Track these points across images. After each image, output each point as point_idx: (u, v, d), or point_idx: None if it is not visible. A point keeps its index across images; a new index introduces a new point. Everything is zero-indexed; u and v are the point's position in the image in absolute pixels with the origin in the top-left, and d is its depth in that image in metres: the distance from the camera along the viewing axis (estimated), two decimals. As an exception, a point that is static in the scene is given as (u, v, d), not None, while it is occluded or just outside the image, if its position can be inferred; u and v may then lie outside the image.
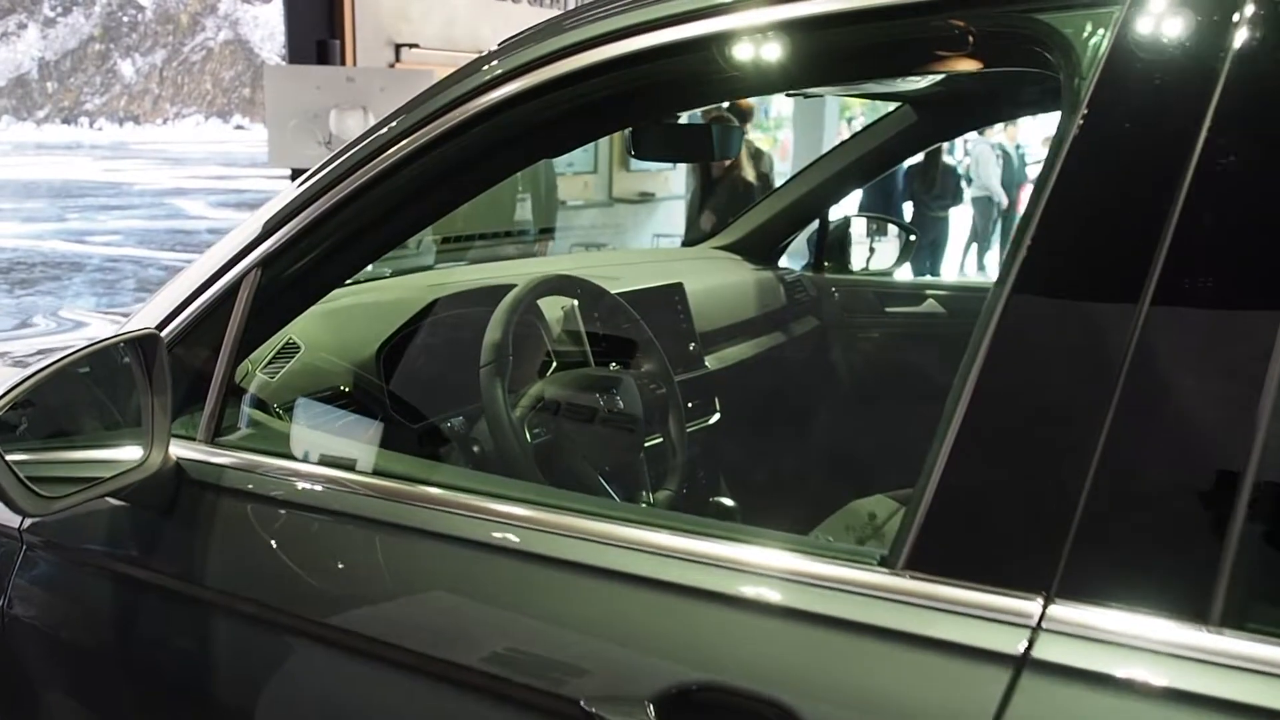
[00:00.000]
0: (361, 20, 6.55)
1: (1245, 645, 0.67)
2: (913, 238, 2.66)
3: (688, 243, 2.78)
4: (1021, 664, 0.72)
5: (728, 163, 5.95)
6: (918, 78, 1.50)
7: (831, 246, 2.53)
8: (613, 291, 1.89)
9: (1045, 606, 0.73)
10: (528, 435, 1.45)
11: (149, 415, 1.16)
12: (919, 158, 7.39)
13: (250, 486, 1.17)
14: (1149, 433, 0.73)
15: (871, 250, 2.60)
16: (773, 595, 0.84)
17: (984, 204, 8.86)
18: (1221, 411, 0.71)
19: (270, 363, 1.46)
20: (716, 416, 2.05)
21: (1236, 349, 0.71)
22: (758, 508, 2.01)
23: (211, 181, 22.89)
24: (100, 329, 1.88)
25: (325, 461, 1.19)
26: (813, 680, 0.80)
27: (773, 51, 0.98)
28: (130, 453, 1.16)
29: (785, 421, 2.25)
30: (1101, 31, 0.79)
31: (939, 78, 1.59)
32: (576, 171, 7.86)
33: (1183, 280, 0.72)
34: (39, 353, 1.68)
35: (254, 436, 1.27)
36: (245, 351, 1.29)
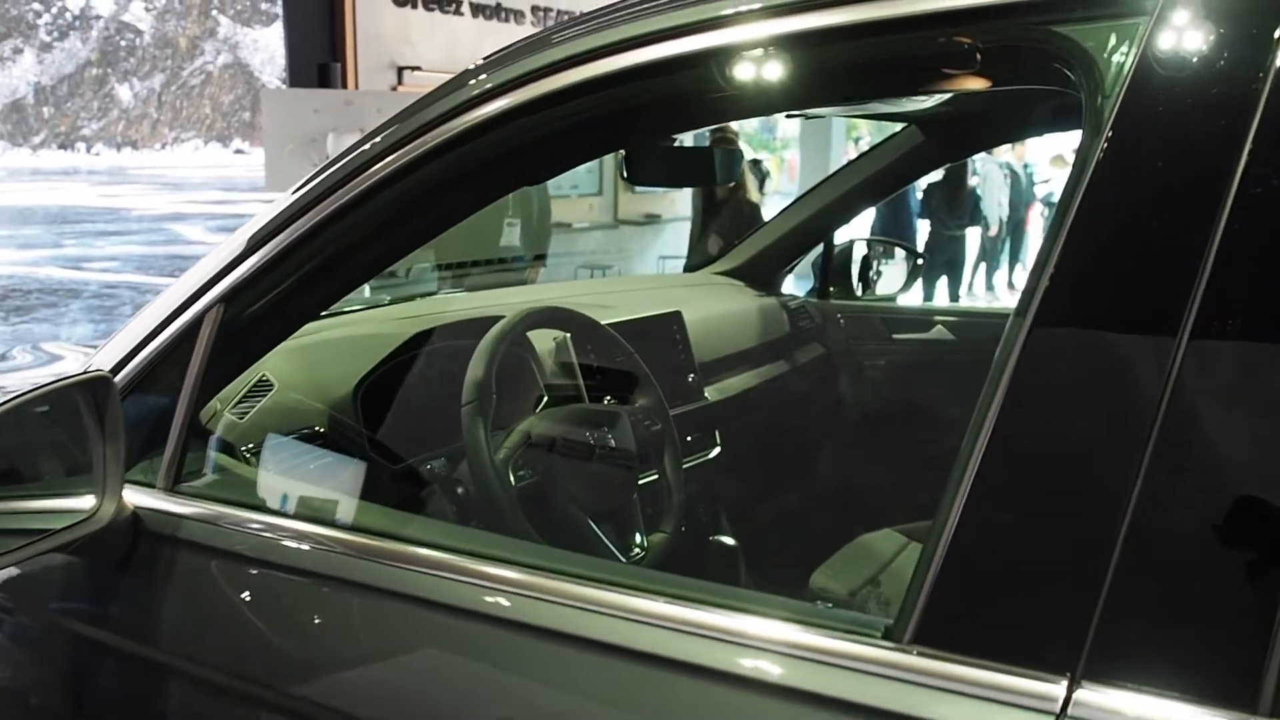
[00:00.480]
0: (363, 43, 6.54)
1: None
2: (920, 261, 2.59)
3: (690, 268, 2.70)
4: (1044, 758, 0.64)
5: (732, 184, 5.91)
6: (924, 97, 1.43)
7: (836, 271, 2.45)
8: (608, 321, 1.81)
9: (1071, 690, 0.65)
10: (512, 478, 1.37)
11: (100, 463, 1.09)
12: (936, 176, 7.34)
13: (211, 539, 1.09)
14: (1190, 487, 0.64)
15: (878, 274, 2.52)
16: (769, 670, 0.76)
17: (993, 224, 8.80)
18: (1275, 463, 0.63)
19: (240, 402, 1.39)
20: (717, 450, 1.96)
21: None
22: (761, 545, 1.93)
23: (211, 206, 22.83)
24: (76, 365, 1.81)
25: (295, 512, 1.11)
26: (809, 768, 0.72)
27: (774, 69, 0.90)
28: (83, 502, 1.09)
29: (788, 454, 2.17)
30: (1126, 45, 0.71)
31: (946, 97, 1.51)
32: (581, 194, 7.83)
33: (1225, 314, 0.64)
34: None
35: (218, 483, 1.19)
36: (210, 392, 1.22)
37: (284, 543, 1.04)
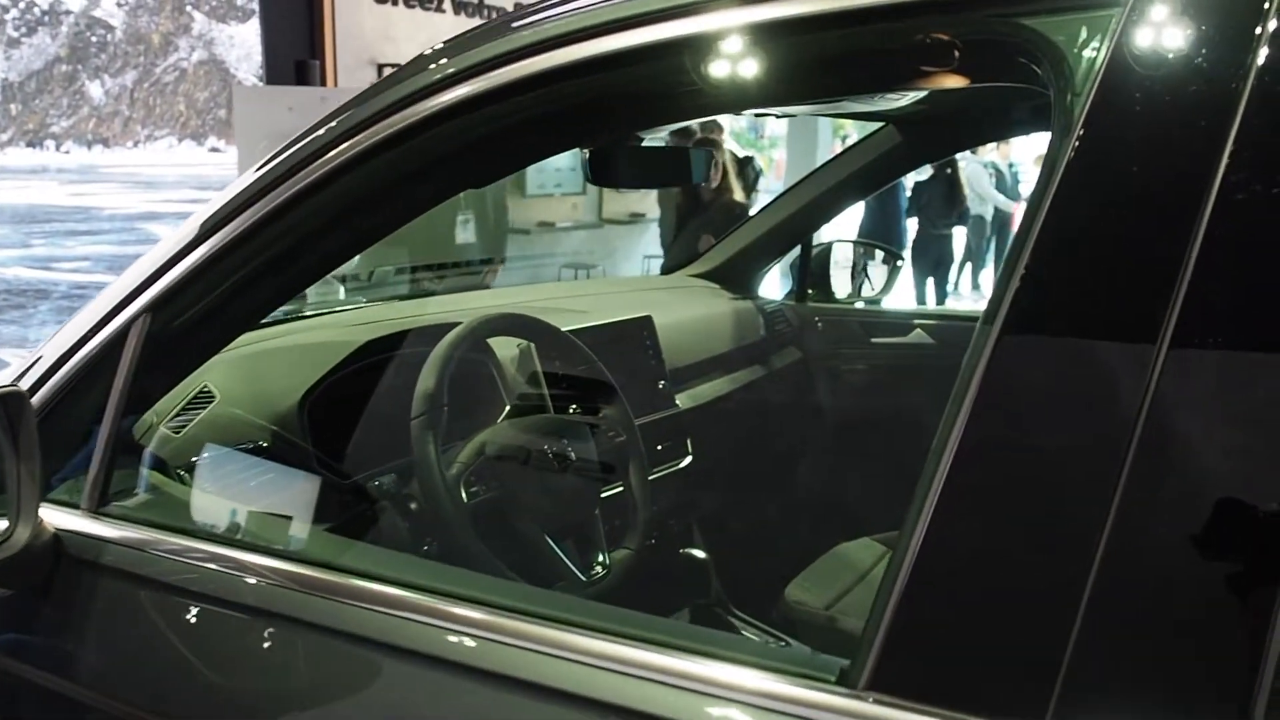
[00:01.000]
0: (343, 40, 6.45)
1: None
2: (899, 263, 2.53)
3: (666, 270, 2.63)
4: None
5: (716, 183, 5.85)
6: (895, 96, 1.37)
7: (815, 273, 2.39)
8: (576, 326, 1.75)
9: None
10: (464, 495, 1.30)
11: (14, 483, 1.02)
12: (925, 175, 7.30)
13: (137, 566, 1.02)
14: (1172, 510, 0.58)
15: (857, 277, 2.46)
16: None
17: (978, 222, 8.77)
18: (1264, 483, 0.57)
19: (178, 415, 1.32)
20: (688, 459, 1.90)
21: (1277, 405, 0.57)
22: (734, 557, 1.87)
23: (185, 205, 22.37)
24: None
25: (230, 538, 1.04)
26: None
27: (735, 61, 0.84)
28: (-1, 525, 1.02)
29: (763, 462, 2.11)
30: (1098, 40, 0.65)
31: (920, 96, 1.45)
32: (565, 192, 7.75)
33: (1208, 320, 0.59)
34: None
35: (148, 504, 1.12)
36: (140, 406, 1.15)
37: (217, 572, 0.97)
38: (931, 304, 7.66)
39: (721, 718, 0.70)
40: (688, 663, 0.73)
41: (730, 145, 6.80)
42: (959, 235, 8.22)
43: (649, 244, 8.39)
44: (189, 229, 1.07)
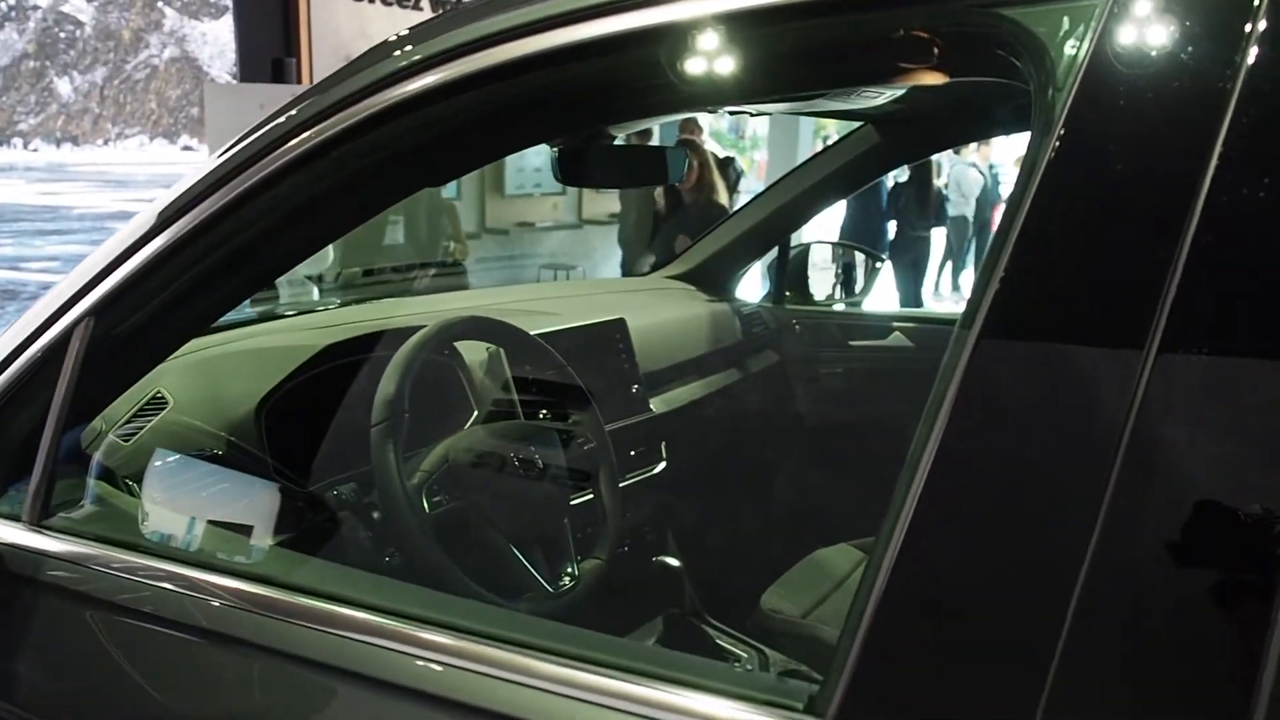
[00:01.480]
0: (319, 38, 6.38)
1: None
2: (879, 264, 2.50)
3: (627, 273, 2.59)
4: None
5: (694, 182, 5.81)
6: (871, 94, 1.33)
7: (792, 275, 2.36)
8: (547, 329, 1.70)
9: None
10: (426, 505, 1.25)
11: (-52, 496, 0.97)
12: (905, 176, 7.29)
13: (79, 583, 0.98)
14: (1161, 521, 0.55)
15: (836, 278, 2.43)
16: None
17: (960, 223, 8.79)
18: (1257, 492, 0.54)
19: (129, 422, 1.27)
20: (662, 465, 1.86)
21: (1273, 412, 0.54)
22: (709, 564, 1.83)
23: (157, 205, 22.34)
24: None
25: (179, 553, 0.99)
26: None
27: (704, 54, 0.80)
28: (-68, 540, 0.97)
29: (739, 467, 2.07)
30: (1081, 32, 0.62)
31: (898, 94, 1.42)
32: (545, 192, 7.71)
33: (1198, 326, 0.55)
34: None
35: (93, 517, 1.07)
36: (84, 413, 1.11)
37: (165, 590, 0.92)
38: (909, 304, 7.67)
39: None
40: (653, 690, 0.69)
41: (710, 146, 6.78)
42: (938, 237, 8.22)
43: (630, 245, 8.37)
44: (131, 231, 1.02)
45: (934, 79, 0.75)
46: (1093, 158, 0.59)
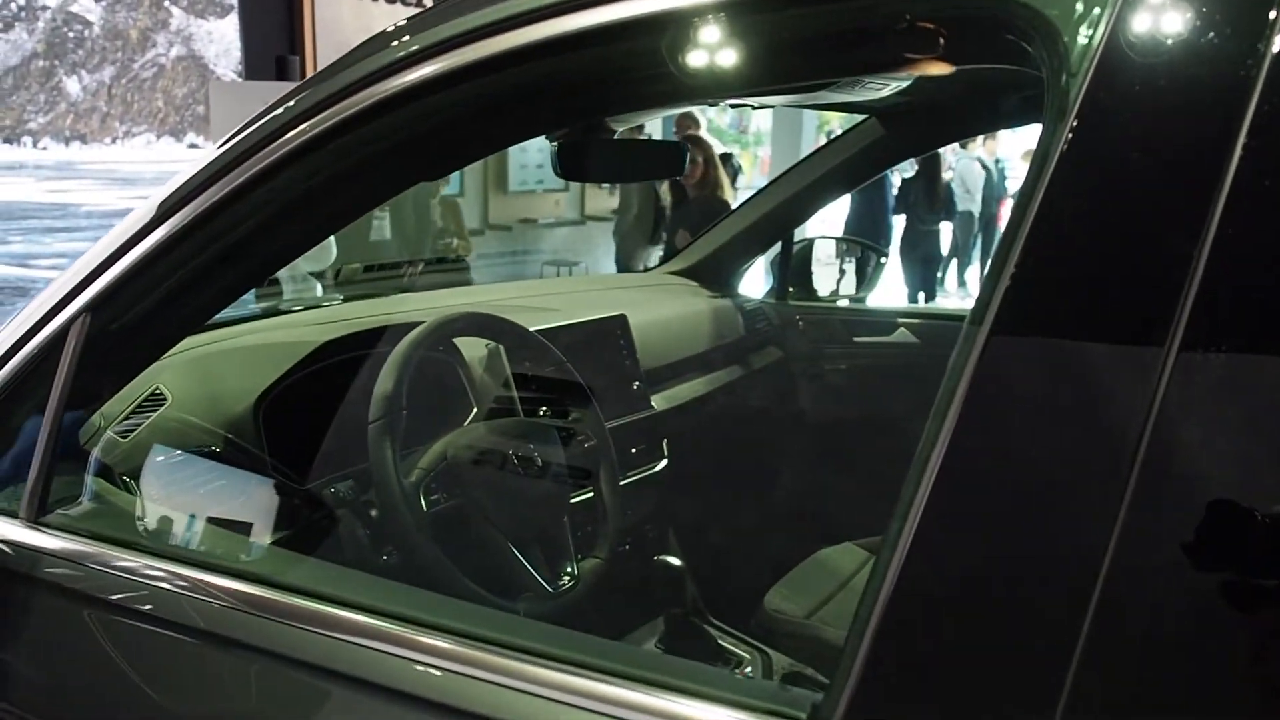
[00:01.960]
0: (323, 36, 6.36)
1: None
2: (883, 259, 2.47)
3: (623, 269, 2.58)
4: None
5: (698, 178, 5.79)
6: (879, 85, 1.31)
7: (796, 271, 2.33)
8: (547, 326, 1.69)
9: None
10: (423, 503, 1.24)
11: (-59, 494, 0.96)
12: (913, 170, 7.26)
13: (76, 581, 0.96)
14: (1182, 525, 0.53)
15: (840, 274, 2.40)
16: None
17: (965, 219, 8.75)
18: None
19: (127, 418, 1.25)
20: (664, 463, 1.84)
21: None
22: (711, 564, 1.82)
23: (163, 202, 22.38)
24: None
25: (175, 552, 0.97)
26: None
27: (710, 42, 0.78)
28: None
29: (742, 464, 2.05)
30: (1097, 14, 0.59)
31: (903, 86, 1.39)
32: (547, 189, 7.70)
33: (1221, 322, 0.53)
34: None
35: (90, 514, 1.06)
36: (82, 409, 1.09)
37: (161, 590, 0.91)
38: (920, 300, 7.64)
39: None
40: (653, 697, 0.68)
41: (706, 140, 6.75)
42: (946, 231, 8.18)
43: (632, 241, 8.35)
44: (127, 226, 1.01)
45: (942, 66, 0.73)
46: (1109, 146, 0.57)
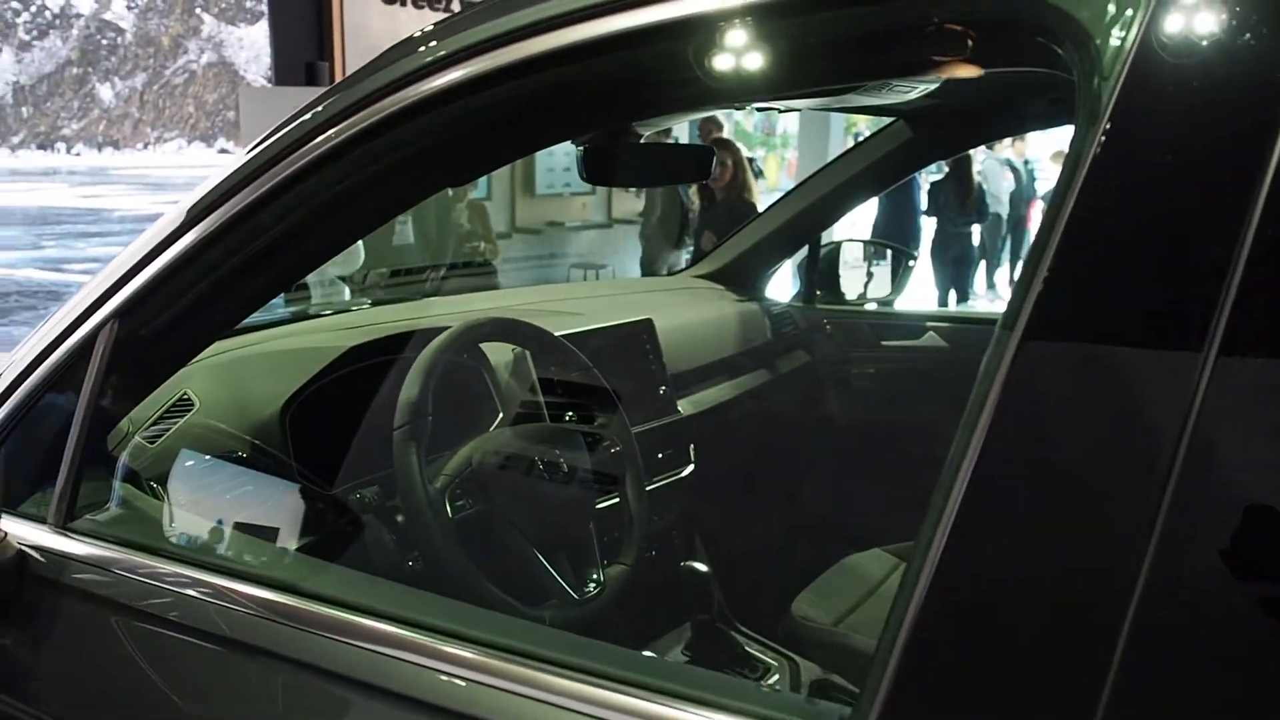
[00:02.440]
0: (351, 41, 6.41)
1: None
2: (911, 262, 2.45)
3: (647, 272, 2.57)
4: None
5: (726, 179, 5.78)
6: (907, 88, 1.30)
7: (823, 274, 2.32)
8: (573, 330, 1.68)
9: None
10: (449, 509, 1.24)
11: (-30, 500, 0.97)
12: (943, 172, 7.20)
13: (103, 587, 0.97)
14: (1221, 535, 0.51)
15: (867, 277, 2.38)
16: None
17: (992, 221, 8.67)
18: None
19: (155, 423, 1.26)
20: (690, 468, 1.83)
21: None
22: (738, 570, 1.80)
23: (194, 207, 22.60)
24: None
25: (202, 559, 0.98)
26: None
27: (738, 45, 0.77)
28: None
29: (769, 469, 2.04)
30: (1130, 17, 0.58)
31: (931, 88, 1.38)
32: (574, 192, 7.71)
33: (1262, 327, 0.52)
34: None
35: (117, 520, 1.07)
36: (111, 415, 1.10)
37: (187, 596, 0.91)
38: (953, 303, 7.58)
39: None
40: (679, 711, 0.67)
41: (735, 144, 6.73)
42: (979, 233, 8.11)
43: (659, 244, 8.34)
44: (155, 233, 1.01)
45: (972, 70, 0.72)
46: (1143, 149, 0.56)
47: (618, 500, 1.49)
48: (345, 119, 0.92)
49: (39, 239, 16.27)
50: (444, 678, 0.75)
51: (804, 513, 2.03)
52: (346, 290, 3.40)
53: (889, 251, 2.44)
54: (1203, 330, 0.52)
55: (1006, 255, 9.28)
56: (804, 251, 2.34)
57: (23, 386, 1.08)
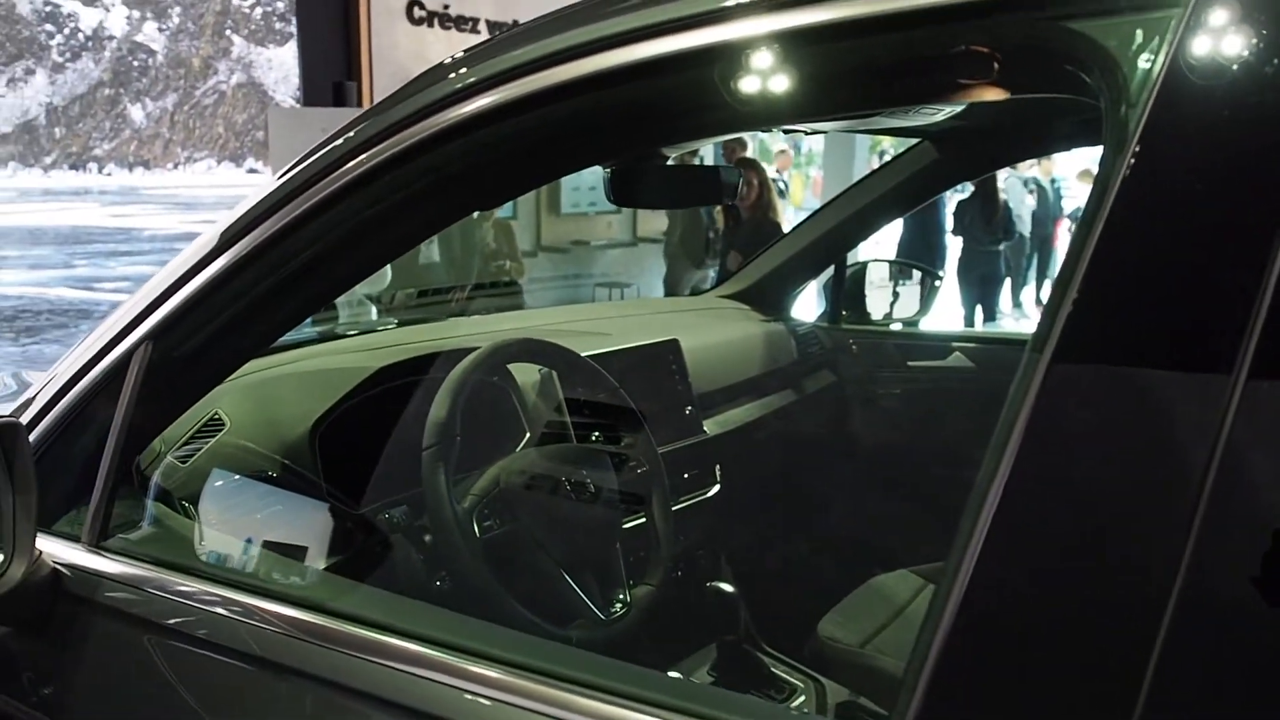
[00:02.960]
0: (379, 62, 6.49)
1: None
2: (938, 282, 2.45)
3: (670, 292, 2.58)
4: None
5: (753, 199, 5.79)
6: (933, 110, 1.30)
7: (849, 294, 2.32)
8: (599, 351, 1.69)
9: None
10: (476, 529, 1.24)
11: (9, 518, 0.98)
12: (968, 192, 7.18)
13: (136, 606, 0.98)
14: (1254, 556, 0.51)
15: (893, 297, 2.38)
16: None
17: (1018, 240, 8.64)
18: None
19: (187, 443, 1.28)
20: (716, 488, 1.83)
21: None
22: (764, 590, 1.80)
23: (222, 226, 22.88)
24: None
25: (233, 578, 0.99)
26: None
27: (765, 71, 0.78)
28: (-6, 561, 0.98)
29: (795, 490, 2.03)
30: (1155, 44, 0.59)
31: (957, 110, 1.38)
32: (600, 211, 7.76)
33: None
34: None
35: (149, 539, 1.08)
36: (144, 435, 1.12)
37: (217, 615, 0.92)
38: (980, 322, 7.54)
39: None
40: None
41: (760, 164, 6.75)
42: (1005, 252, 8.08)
43: (684, 263, 8.36)
44: (190, 255, 1.03)
45: (999, 95, 0.72)
46: (1171, 174, 0.56)
47: (644, 520, 1.49)
48: (376, 144, 0.93)
49: (71, 258, 16.52)
50: (470, 697, 0.76)
51: (830, 533, 2.02)
52: (374, 309, 3.44)
53: (915, 271, 2.44)
54: (1232, 352, 0.52)
55: (1033, 274, 9.23)
56: (830, 271, 2.34)
57: (58, 406, 1.09)
